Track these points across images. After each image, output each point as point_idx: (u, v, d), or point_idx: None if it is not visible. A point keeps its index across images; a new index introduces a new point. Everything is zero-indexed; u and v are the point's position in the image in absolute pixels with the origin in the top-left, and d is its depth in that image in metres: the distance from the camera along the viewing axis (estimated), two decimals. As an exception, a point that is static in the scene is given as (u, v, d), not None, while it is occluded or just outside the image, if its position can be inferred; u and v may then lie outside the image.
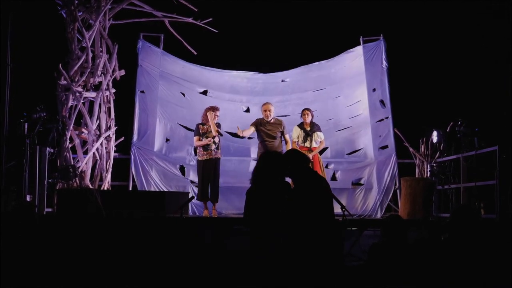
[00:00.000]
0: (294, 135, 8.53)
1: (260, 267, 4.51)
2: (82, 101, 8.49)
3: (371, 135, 9.70)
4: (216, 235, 6.58)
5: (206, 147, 8.10)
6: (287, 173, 4.99)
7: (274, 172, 4.77)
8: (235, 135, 10.05)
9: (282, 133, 8.32)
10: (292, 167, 4.93)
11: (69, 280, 4.65)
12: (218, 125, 8.21)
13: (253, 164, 9.33)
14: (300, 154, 5.11)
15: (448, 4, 10.13)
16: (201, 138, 8.18)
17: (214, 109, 8.23)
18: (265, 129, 8.24)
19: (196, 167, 9.55)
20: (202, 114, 8.32)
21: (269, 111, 8.25)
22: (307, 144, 8.42)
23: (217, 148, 8.15)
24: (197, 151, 8.27)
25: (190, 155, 9.79)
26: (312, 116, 8.58)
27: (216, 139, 8.15)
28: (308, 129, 8.47)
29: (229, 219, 7.57)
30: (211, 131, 8.11)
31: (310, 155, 8.23)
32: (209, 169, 8.05)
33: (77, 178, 8.00)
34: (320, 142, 8.53)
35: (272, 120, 8.30)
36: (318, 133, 8.50)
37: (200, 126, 8.22)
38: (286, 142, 8.37)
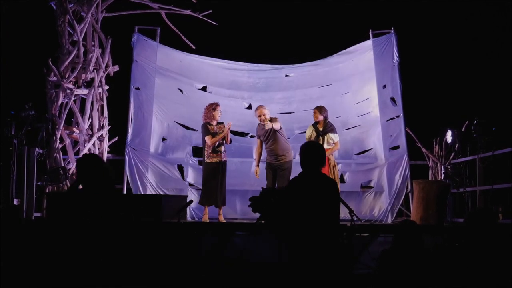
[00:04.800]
0: (307, 134, 8.50)
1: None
2: (73, 98, 8.49)
3: (381, 135, 9.66)
4: (216, 242, 6.55)
5: (215, 149, 8.03)
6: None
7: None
8: (237, 133, 10.04)
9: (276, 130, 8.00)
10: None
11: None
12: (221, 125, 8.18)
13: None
14: (313, 150, 5.00)
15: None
16: (212, 137, 8.06)
17: (216, 106, 8.20)
18: (263, 134, 8.09)
19: (195, 168, 9.55)
20: (204, 112, 8.23)
21: (263, 115, 8.02)
22: None
23: (225, 150, 8.16)
24: (205, 153, 8.09)
25: (189, 155, 9.76)
26: (324, 115, 8.38)
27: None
28: (321, 129, 8.43)
29: (232, 225, 7.53)
30: (221, 132, 8.04)
31: None
32: (217, 173, 8.00)
33: (67, 180, 8.00)
34: (334, 143, 8.40)
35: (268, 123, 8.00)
36: (330, 134, 8.41)
37: (208, 126, 8.12)
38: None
